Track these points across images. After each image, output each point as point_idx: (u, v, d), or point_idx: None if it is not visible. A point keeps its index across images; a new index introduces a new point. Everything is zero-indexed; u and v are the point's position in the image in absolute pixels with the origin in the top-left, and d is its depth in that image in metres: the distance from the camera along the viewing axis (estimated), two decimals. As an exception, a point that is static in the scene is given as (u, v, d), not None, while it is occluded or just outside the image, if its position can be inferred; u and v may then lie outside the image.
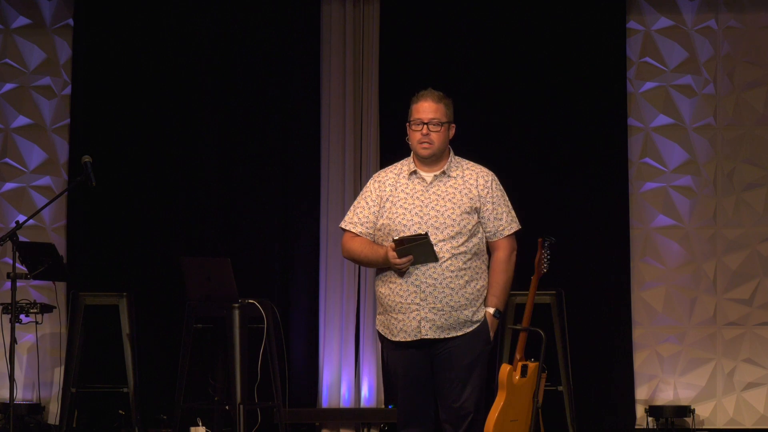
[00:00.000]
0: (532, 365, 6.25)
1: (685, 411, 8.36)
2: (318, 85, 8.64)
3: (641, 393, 8.50)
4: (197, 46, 8.62)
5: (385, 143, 8.53)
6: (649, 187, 8.61)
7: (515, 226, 5.14)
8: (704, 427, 8.44)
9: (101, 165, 6.98)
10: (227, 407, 7.28)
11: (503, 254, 5.09)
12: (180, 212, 8.59)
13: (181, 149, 8.61)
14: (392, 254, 4.90)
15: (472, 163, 5.18)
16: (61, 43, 8.77)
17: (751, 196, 8.59)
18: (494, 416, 6.11)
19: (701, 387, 8.50)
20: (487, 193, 5.06)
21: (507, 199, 5.15)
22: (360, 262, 5.19)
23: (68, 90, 8.72)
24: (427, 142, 5.06)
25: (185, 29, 8.63)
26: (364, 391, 8.45)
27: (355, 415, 8.40)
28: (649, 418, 8.40)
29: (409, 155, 5.21)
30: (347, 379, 8.46)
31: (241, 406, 7.10)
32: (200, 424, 7.69)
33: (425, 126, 5.07)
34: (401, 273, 4.96)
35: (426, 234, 4.89)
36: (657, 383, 8.51)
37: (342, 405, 8.45)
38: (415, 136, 5.09)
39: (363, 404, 8.45)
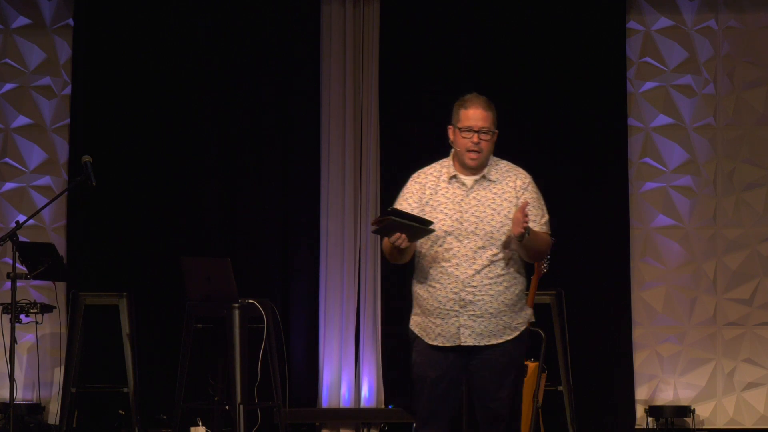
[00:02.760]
0: (532, 365, 6.25)
1: (685, 411, 8.36)
2: (318, 85, 8.64)
3: (641, 393, 8.49)
4: (197, 46, 8.63)
5: (385, 143, 8.53)
6: (649, 187, 8.61)
7: (546, 229, 5.06)
8: (704, 427, 8.44)
9: (101, 165, 6.98)
10: (227, 407, 7.28)
11: None
12: (180, 212, 8.59)
13: (181, 149, 8.61)
14: (373, 221, 4.80)
15: (510, 164, 5.11)
16: (61, 43, 8.77)
17: (751, 196, 8.59)
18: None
19: (701, 387, 8.50)
20: (523, 194, 5.01)
21: (543, 204, 5.08)
22: (388, 254, 5.04)
23: (68, 90, 8.72)
24: (477, 151, 4.96)
25: (185, 29, 8.64)
26: (364, 391, 8.45)
27: (355, 415, 8.40)
28: (649, 418, 8.40)
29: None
30: (347, 379, 8.46)
31: (241, 406, 7.10)
32: (200, 424, 7.69)
33: (476, 135, 4.98)
34: (440, 276, 4.89)
35: (432, 227, 4.84)
36: (657, 383, 8.51)
37: (342, 405, 8.45)
38: (463, 143, 4.99)
39: (363, 404, 8.44)
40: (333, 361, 8.47)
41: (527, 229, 4.83)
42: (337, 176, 8.58)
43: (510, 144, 8.47)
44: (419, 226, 4.80)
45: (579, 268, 8.35)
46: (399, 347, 8.43)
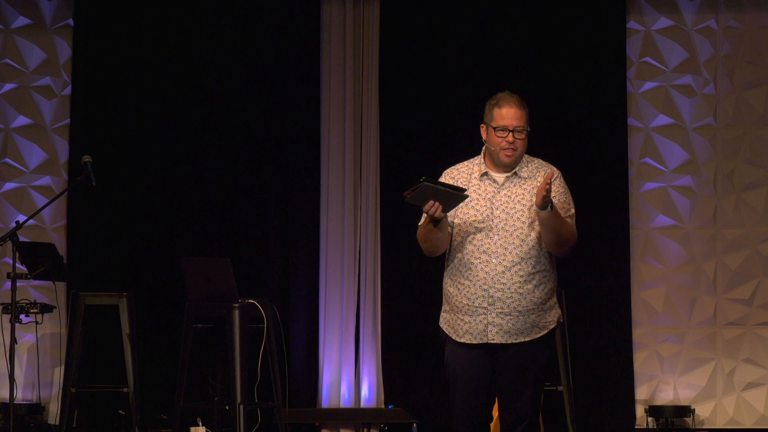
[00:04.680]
0: (532, 365, 6.24)
1: (685, 411, 8.36)
2: (318, 85, 8.65)
3: (641, 393, 8.50)
4: (197, 46, 8.63)
5: (385, 143, 8.53)
6: (649, 187, 8.61)
7: (571, 222, 5.00)
8: (704, 427, 8.44)
9: (101, 165, 6.99)
10: (227, 407, 7.28)
11: None
12: (180, 212, 8.59)
13: (181, 149, 8.62)
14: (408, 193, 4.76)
15: (542, 162, 5.11)
16: (61, 43, 8.77)
17: (751, 196, 8.60)
18: (495, 416, 6.10)
19: (701, 387, 8.50)
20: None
21: (570, 199, 5.06)
22: (424, 242, 4.99)
23: (68, 90, 8.72)
24: (512, 149, 4.98)
25: (185, 29, 8.64)
26: (364, 391, 8.45)
27: (355, 415, 8.40)
28: (649, 418, 8.40)
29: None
30: (347, 379, 8.46)
31: (241, 406, 7.09)
32: (200, 424, 7.69)
33: (511, 134, 5.00)
34: (469, 273, 4.90)
35: (466, 194, 4.81)
36: (657, 383, 8.51)
37: (342, 405, 8.45)
38: (498, 142, 5.01)
39: (363, 404, 8.44)
40: (333, 361, 8.47)
41: (550, 202, 4.79)
42: (337, 176, 8.58)
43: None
44: (453, 192, 4.78)
45: (579, 268, 8.35)
46: (399, 347, 8.44)
